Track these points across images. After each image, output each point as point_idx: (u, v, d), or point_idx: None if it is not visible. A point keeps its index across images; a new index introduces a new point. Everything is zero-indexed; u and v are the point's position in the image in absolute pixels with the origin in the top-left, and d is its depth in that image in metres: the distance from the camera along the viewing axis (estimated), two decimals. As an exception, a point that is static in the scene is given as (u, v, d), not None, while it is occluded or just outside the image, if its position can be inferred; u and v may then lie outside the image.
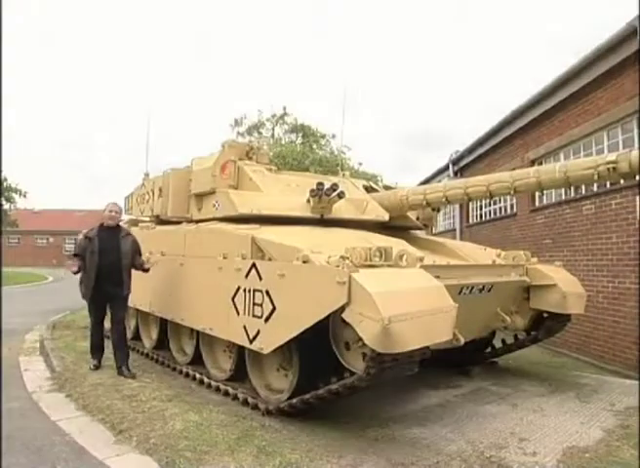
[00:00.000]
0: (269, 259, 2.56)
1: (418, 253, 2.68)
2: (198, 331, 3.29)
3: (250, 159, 4.22)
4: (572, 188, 4.59)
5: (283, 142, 14.73)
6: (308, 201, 3.42)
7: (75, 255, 3.14)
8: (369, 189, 4.31)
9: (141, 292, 3.83)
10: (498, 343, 3.74)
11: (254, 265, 2.52)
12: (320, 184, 3.30)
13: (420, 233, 4.35)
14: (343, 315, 2.04)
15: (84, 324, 5.53)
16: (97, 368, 3.29)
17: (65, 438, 2.14)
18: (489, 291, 2.84)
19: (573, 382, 3.32)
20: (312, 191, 3.30)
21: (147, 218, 4.54)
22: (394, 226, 3.93)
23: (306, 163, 13.37)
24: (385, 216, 3.73)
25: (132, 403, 2.63)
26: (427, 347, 2.09)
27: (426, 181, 9.93)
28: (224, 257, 2.86)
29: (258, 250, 2.64)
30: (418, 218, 4.13)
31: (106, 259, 3.09)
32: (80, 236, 3.19)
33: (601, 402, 2.83)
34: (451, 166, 8.29)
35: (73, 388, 2.87)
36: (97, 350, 3.37)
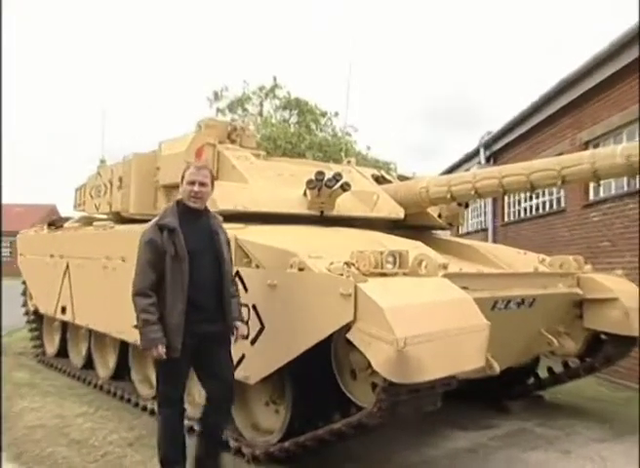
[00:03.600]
0: (257, 266, 2.57)
1: (440, 258, 2.68)
2: (167, 357, 3.32)
3: (232, 142, 4.23)
4: (639, 177, 4.44)
5: (274, 121, 14.80)
6: (305, 194, 3.43)
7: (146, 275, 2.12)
8: (380, 180, 4.33)
9: (94, 307, 3.86)
10: (543, 372, 3.73)
11: (237, 274, 2.52)
12: (320, 174, 3.32)
13: (444, 234, 4.38)
14: (349, 335, 2.05)
15: (20, 348, 5.49)
16: None
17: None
18: (530, 305, 2.84)
19: (641, 424, 3.25)
20: (310, 182, 3.32)
21: (104, 216, 4.55)
22: (411, 226, 3.95)
23: (303, 147, 13.44)
24: (400, 213, 3.76)
25: (81, 449, 2.57)
26: (453, 376, 2.09)
27: (451, 170, 9.97)
28: None
29: (242, 254, 2.65)
30: (440, 216, 4.15)
31: (199, 270, 2.12)
32: (148, 227, 2.18)
33: (679, 450, 2.76)
34: (482, 150, 8.31)
35: (4, 432, 2.78)
36: (174, 463, 2.14)
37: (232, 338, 2.24)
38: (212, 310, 2.14)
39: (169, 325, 2.04)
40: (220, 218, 2.36)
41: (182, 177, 2.22)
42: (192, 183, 2.19)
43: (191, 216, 2.20)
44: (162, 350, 2.02)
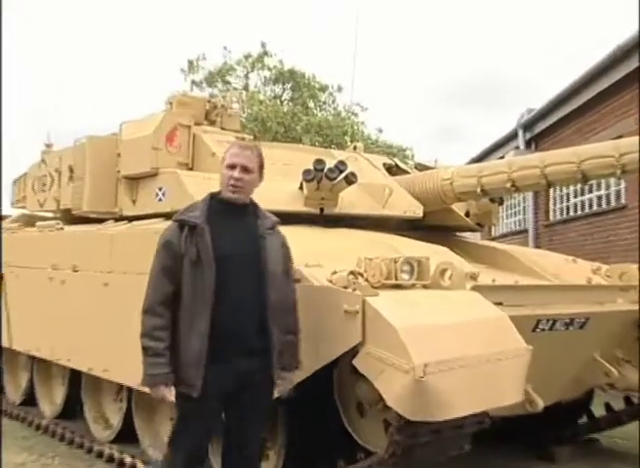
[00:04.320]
0: None
1: (468, 266, 2.68)
2: (131, 390, 3.33)
3: (212, 123, 4.26)
4: None
5: (262, 98, 14.87)
6: (301, 188, 3.45)
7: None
8: (393, 170, 4.35)
9: (37, 329, 3.87)
10: (598, 410, 3.72)
11: None
12: (319, 162, 3.33)
13: (473, 237, 4.43)
14: (355, 362, 2.05)
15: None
16: None
17: None
18: (581, 326, 2.84)
19: None
20: (307, 173, 3.33)
21: (50, 214, 4.59)
22: (432, 226, 3.95)
23: (298, 130, 13.50)
24: (418, 211, 3.78)
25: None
26: (485, 413, 2.10)
27: (482, 157, 10.03)
28: None
29: None
30: (468, 214, 4.16)
31: (233, 283, 1.94)
32: (169, 226, 2.05)
33: None
34: (520, 133, 8.35)
35: None
36: None
37: (275, 390, 2.00)
38: (249, 339, 1.92)
39: (185, 352, 1.86)
40: (275, 219, 2.14)
41: (222, 161, 2.10)
42: (232, 167, 2.01)
43: (228, 212, 2.02)
44: (167, 392, 1.86)
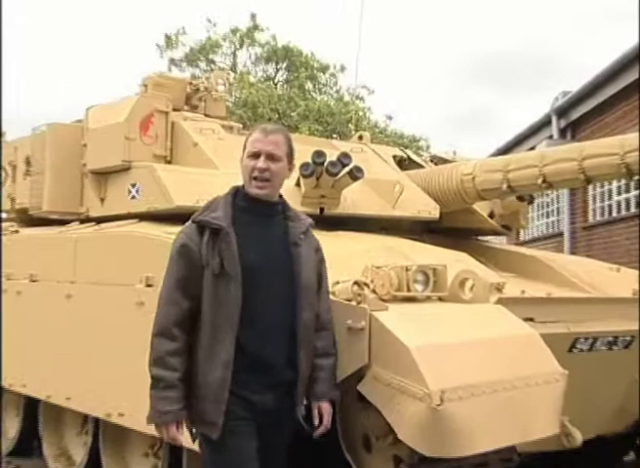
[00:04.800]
0: None
1: (493, 275, 2.69)
2: (97, 421, 3.34)
3: (194, 108, 4.31)
4: None
5: (253, 79, 14.95)
6: (298, 184, 3.48)
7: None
8: (405, 163, 4.37)
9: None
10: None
11: None
12: (319, 155, 3.35)
13: (498, 241, 4.49)
14: (360, 387, 2.05)
15: None
16: None
17: None
18: (627, 346, 2.84)
19: None
20: (305, 167, 3.35)
21: (4, 215, 4.60)
22: (450, 229, 3.97)
23: (294, 116, 13.59)
24: (434, 212, 3.80)
25: None
26: (514, 449, 2.10)
27: (509, 149, 10.06)
28: (149, 285, 2.91)
29: None
30: (492, 215, 4.18)
31: (262, 300, 1.88)
32: (183, 227, 1.99)
33: None
34: (554, 119, 8.35)
35: None
36: None
37: (305, 424, 1.96)
38: (278, 369, 1.86)
39: (204, 384, 1.79)
40: (309, 221, 2.06)
41: (244, 148, 1.97)
42: (255, 156, 1.90)
43: (253, 213, 1.94)
44: (178, 433, 1.80)
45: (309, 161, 3.35)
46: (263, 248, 1.91)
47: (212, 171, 3.49)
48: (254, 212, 1.96)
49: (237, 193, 1.99)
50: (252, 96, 13.15)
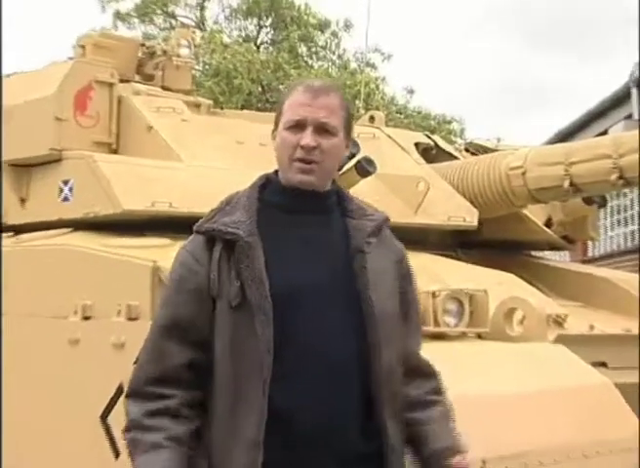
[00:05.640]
0: None
1: (551, 304, 2.69)
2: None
3: (148, 79, 4.30)
4: None
5: (227, 40, 15.00)
6: None
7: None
8: (432, 153, 4.38)
9: None
10: None
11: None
12: None
13: (558, 258, 4.49)
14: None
15: None
16: None
17: None
18: None
19: None
20: (298, 158, 3.38)
21: None
22: (493, 242, 3.97)
23: (282, 90, 13.59)
24: (471, 218, 3.81)
25: None
26: None
27: (572, 133, 10.05)
28: (86, 317, 2.92)
29: None
30: (549, 223, 4.19)
31: (313, 341, 1.73)
32: (188, 241, 1.85)
33: None
34: (635, 93, 8.28)
35: None
36: None
37: None
38: (344, 440, 1.66)
39: None
40: (382, 216, 1.86)
41: (278, 116, 1.80)
42: (297, 127, 1.74)
43: (295, 210, 1.78)
44: None
45: (303, 150, 3.37)
46: (308, 261, 1.70)
47: (173, 163, 3.50)
48: (293, 209, 1.76)
49: (267, 185, 1.79)
50: (226, 62, 13.16)
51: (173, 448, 1.59)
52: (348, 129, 1.80)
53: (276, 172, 1.78)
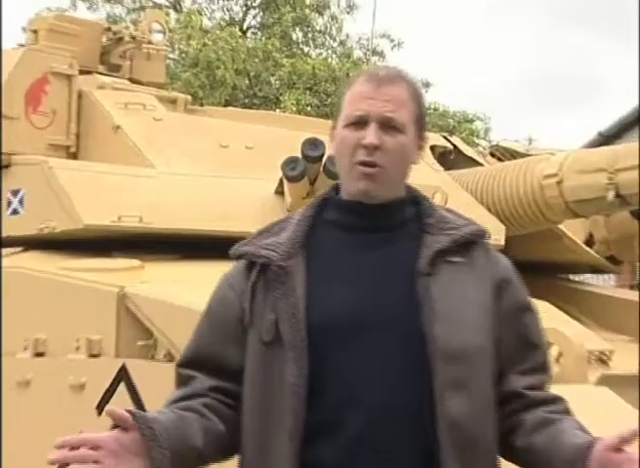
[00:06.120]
0: (167, 356, 2.67)
1: (593, 338, 2.69)
2: None
3: (114, 70, 4.32)
4: None
5: (208, 23, 15.06)
6: (280, 191, 3.53)
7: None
8: (450, 157, 4.42)
9: None
10: None
11: (122, 373, 2.59)
12: (313, 145, 3.38)
13: (601, 282, 4.52)
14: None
15: None
16: None
17: None
18: None
19: None
20: (291, 164, 3.38)
21: None
22: (523, 263, 3.93)
23: (274, 82, 13.64)
24: (497, 235, 3.75)
25: None
26: None
27: (617, 134, 10.07)
28: (39, 354, 2.93)
29: (136, 330, 2.76)
30: (591, 242, 4.22)
31: (362, 389, 1.69)
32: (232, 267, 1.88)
33: None
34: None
35: None
36: None
37: None
38: None
39: None
40: (475, 228, 1.78)
41: (337, 114, 1.81)
42: (359, 124, 1.72)
43: (356, 226, 1.75)
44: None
45: (298, 155, 3.36)
46: (362, 289, 1.66)
47: (143, 170, 3.51)
48: (353, 225, 1.73)
49: (331, 197, 1.78)
50: (206, 49, 13.16)
51: (171, 417, 1.60)
52: (420, 126, 1.75)
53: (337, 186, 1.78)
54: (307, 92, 13.36)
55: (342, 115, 1.71)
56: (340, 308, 1.62)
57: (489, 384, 1.62)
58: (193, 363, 1.71)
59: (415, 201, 1.77)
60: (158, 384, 2.52)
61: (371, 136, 1.64)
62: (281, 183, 3.48)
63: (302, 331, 1.58)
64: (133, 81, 4.24)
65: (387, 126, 1.66)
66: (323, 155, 3.35)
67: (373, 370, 1.58)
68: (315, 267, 1.66)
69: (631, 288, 5.44)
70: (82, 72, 3.87)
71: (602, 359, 2.45)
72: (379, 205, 1.70)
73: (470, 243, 1.71)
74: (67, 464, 1.47)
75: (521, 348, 1.69)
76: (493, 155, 4.59)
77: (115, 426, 1.50)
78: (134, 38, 4.39)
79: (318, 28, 15.76)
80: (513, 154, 4.35)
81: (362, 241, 1.70)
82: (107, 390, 2.69)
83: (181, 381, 1.72)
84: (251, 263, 1.68)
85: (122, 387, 2.67)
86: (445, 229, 1.71)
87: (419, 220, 1.73)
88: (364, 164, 1.64)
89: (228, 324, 1.67)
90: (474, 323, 1.64)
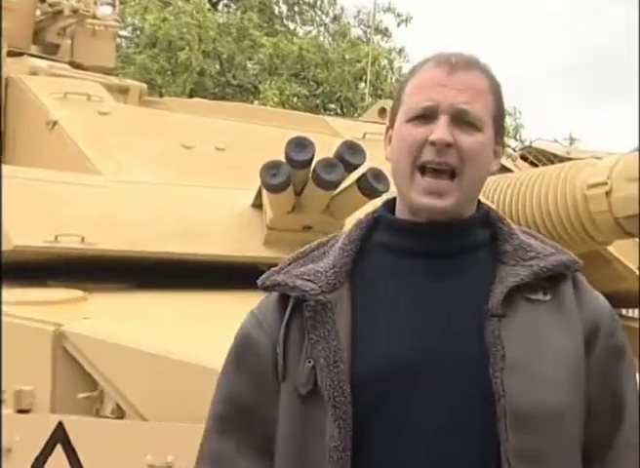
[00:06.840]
0: (117, 414, 2.69)
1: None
2: None
3: (51, 52, 4.46)
4: None
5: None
6: (259, 204, 3.58)
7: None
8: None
9: None
10: None
11: (59, 432, 2.65)
12: (300, 146, 3.41)
13: None
14: None
15: None
16: None
17: None
18: None
19: None
20: (272, 170, 3.39)
21: None
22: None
23: (252, 68, 13.60)
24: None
25: None
26: None
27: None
28: None
29: (79, 377, 2.79)
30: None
31: (419, 452, 1.72)
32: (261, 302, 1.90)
33: None
34: None
35: None
36: None
37: None
38: None
39: None
40: (564, 258, 1.75)
41: (394, 110, 1.76)
42: (425, 118, 1.72)
43: (413, 253, 1.75)
44: None
45: (281, 159, 3.38)
46: (419, 330, 1.66)
47: (87, 178, 3.53)
48: (412, 250, 1.72)
49: (381, 218, 1.77)
50: (166, 26, 13.14)
51: None
52: (499, 124, 1.75)
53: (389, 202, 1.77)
54: (293, 79, 13.37)
55: (402, 109, 1.67)
56: (392, 357, 1.62)
57: (573, 457, 1.62)
58: (231, 417, 1.70)
59: (488, 221, 1.74)
60: (104, 446, 2.59)
61: (441, 130, 1.61)
62: (260, 194, 3.52)
63: (346, 384, 1.58)
64: (74, 65, 4.27)
65: (461, 121, 1.64)
66: (312, 159, 3.37)
67: (426, 430, 1.59)
68: (363, 303, 1.65)
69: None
70: (10, 54, 3.90)
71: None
72: (445, 224, 1.67)
73: (557, 276, 1.68)
74: None
75: (613, 410, 1.68)
76: (524, 158, 4.63)
77: None
78: (75, 11, 4.40)
79: (307, 0, 15.82)
80: (550, 157, 4.38)
81: (422, 269, 1.69)
82: (40, 454, 2.69)
83: (215, 458, 1.70)
84: (285, 296, 1.67)
85: (59, 450, 2.67)
86: (525, 259, 1.69)
87: (492, 246, 1.72)
88: (429, 171, 1.62)
89: (263, 371, 1.67)
90: (559, 378, 1.62)
